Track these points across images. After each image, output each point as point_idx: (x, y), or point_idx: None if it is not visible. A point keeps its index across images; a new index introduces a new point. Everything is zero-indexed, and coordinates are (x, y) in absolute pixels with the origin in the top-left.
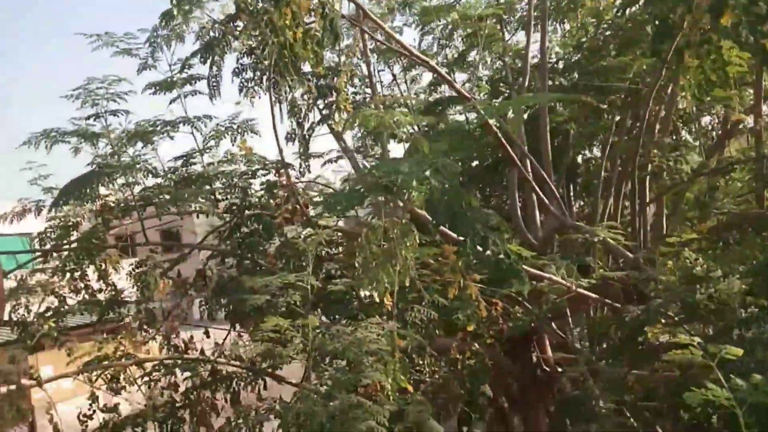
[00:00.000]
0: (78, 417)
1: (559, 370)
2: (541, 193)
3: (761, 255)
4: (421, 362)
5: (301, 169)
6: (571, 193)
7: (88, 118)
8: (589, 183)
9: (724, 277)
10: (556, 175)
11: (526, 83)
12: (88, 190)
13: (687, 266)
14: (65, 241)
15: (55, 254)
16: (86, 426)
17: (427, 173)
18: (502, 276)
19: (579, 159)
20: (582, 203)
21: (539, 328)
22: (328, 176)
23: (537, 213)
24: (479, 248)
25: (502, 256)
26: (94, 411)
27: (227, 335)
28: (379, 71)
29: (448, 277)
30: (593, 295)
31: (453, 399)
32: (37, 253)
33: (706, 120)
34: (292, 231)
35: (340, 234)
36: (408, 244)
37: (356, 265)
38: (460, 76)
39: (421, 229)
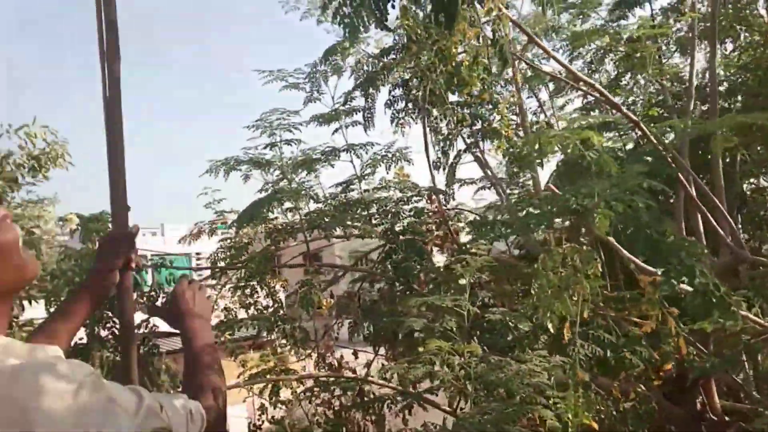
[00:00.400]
0: (248, 427)
1: (727, 419)
2: (714, 222)
3: None
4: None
5: (447, 197)
6: (739, 225)
7: (266, 147)
8: (757, 215)
9: None
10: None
11: (691, 106)
12: (262, 213)
13: None
14: (238, 260)
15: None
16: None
17: (623, 197)
18: (707, 310)
19: (745, 188)
20: (747, 237)
21: (710, 371)
22: (470, 204)
23: (704, 243)
24: (684, 279)
25: (711, 287)
26: (263, 422)
27: (374, 357)
28: (527, 98)
29: (644, 309)
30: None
31: None
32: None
33: None
34: (442, 257)
35: (491, 262)
36: (590, 272)
37: (509, 289)
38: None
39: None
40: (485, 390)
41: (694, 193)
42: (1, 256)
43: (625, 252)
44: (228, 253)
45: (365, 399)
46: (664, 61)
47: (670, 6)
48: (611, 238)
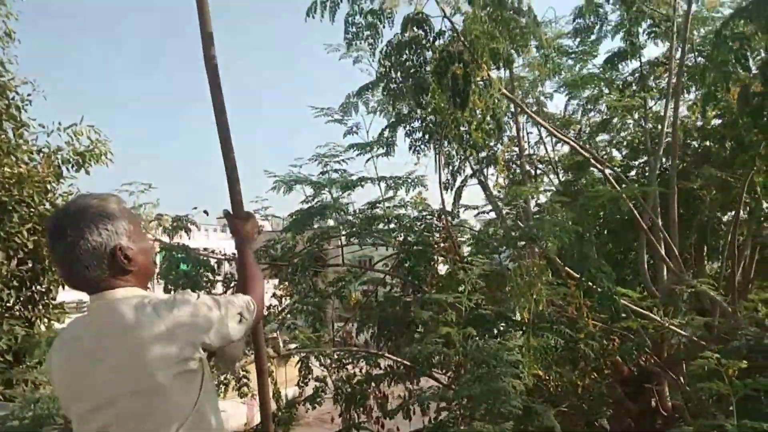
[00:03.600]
0: (298, 382)
1: (676, 415)
2: (665, 256)
3: None
4: (546, 378)
5: (453, 215)
6: (704, 254)
7: (321, 173)
8: (716, 246)
9: None
10: (690, 237)
11: (661, 150)
12: (311, 222)
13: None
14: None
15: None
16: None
17: (561, 231)
18: (602, 302)
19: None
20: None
21: (658, 375)
22: (472, 221)
23: (665, 270)
24: (591, 284)
25: (608, 290)
26: (308, 381)
27: (381, 350)
28: (528, 133)
29: (573, 310)
30: (703, 343)
31: (570, 418)
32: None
33: None
34: (445, 266)
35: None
36: (543, 279)
37: (500, 294)
38: (603, 136)
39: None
40: (475, 364)
41: (659, 232)
42: (147, 254)
43: (560, 262)
44: (275, 252)
45: (374, 375)
46: (649, 106)
47: (656, 60)
48: (556, 257)
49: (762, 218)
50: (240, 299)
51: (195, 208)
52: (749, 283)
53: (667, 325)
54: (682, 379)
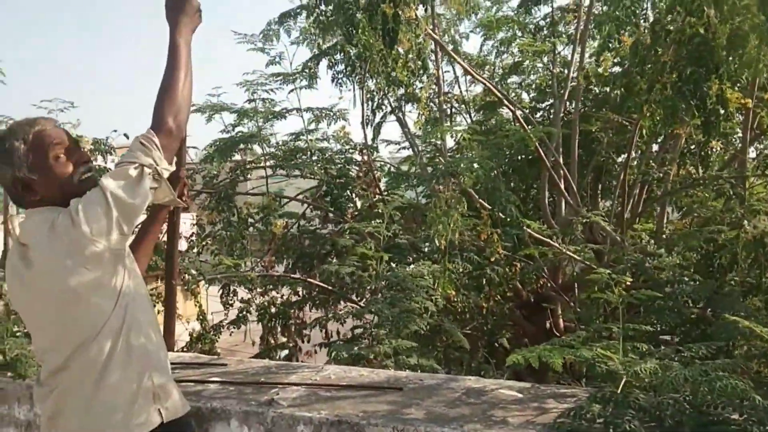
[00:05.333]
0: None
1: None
2: (565, 193)
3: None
4: (455, 300)
5: (373, 150)
6: (599, 192)
7: (248, 101)
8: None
9: (668, 254)
10: (588, 177)
11: (566, 94)
12: (233, 151)
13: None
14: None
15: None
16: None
17: (476, 166)
18: (509, 229)
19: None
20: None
21: (553, 299)
22: (387, 157)
23: (564, 205)
24: (501, 214)
25: (515, 218)
26: (233, 302)
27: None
28: (444, 72)
29: (484, 235)
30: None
31: (475, 338)
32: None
33: None
34: (366, 199)
35: (401, 203)
36: (459, 209)
37: (415, 226)
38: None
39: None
40: (390, 287)
41: (561, 171)
42: (54, 181)
43: (476, 197)
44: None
45: (307, 295)
46: (558, 51)
47: (567, 7)
48: (471, 190)
49: (650, 160)
50: (129, 155)
51: (115, 130)
52: (636, 217)
53: (563, 251)
54: (574, 302)
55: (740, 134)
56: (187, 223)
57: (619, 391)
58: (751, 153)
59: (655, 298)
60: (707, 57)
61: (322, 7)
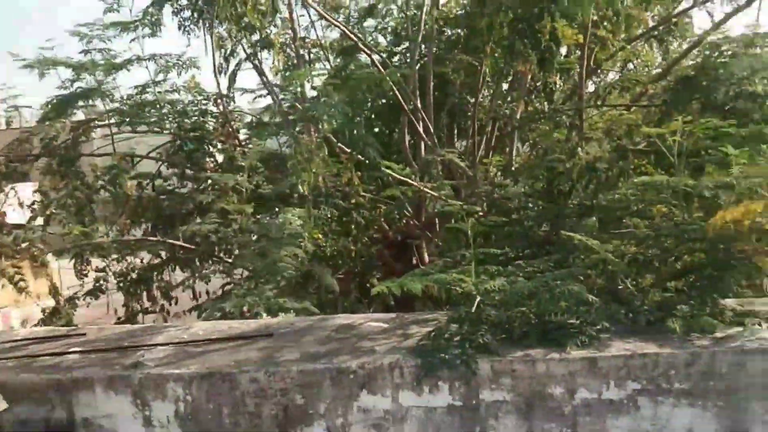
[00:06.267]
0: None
1: None
2: (423, 135)
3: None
4: (324, 245)
5: (229, 100)
6: (454, 133)
7: (82, 52)
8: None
9: (515, 184)
10: (444, 119)
11: (420, 37)
12: (71, 108)
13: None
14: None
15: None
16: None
17: (334, 112)
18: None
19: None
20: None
21: (417, 236)
22: (245, 107)
23: (423, 147)
24: (361, 156)
25: (374, 159)
26: (88, 272)
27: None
28: (299, 16)
29: (345, 179)
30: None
31: (346, 281)
32: None
33: None
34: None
35: (262, 154)
36: (321, 154)
37: (278, 176)
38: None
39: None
40: (257, 239)
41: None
42: None
43: (334, 140)
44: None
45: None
46: None
47: None
48: (331, 136)
49: (500, 99)
50: None
51: None
52: (489, 153)
53: (423, 189)
54: (437, 237)
55: (578, 69)
56: (28, 191)
57: (473, 311)
58: (591, 87)
59: (505, 224)
60: None
61: None
